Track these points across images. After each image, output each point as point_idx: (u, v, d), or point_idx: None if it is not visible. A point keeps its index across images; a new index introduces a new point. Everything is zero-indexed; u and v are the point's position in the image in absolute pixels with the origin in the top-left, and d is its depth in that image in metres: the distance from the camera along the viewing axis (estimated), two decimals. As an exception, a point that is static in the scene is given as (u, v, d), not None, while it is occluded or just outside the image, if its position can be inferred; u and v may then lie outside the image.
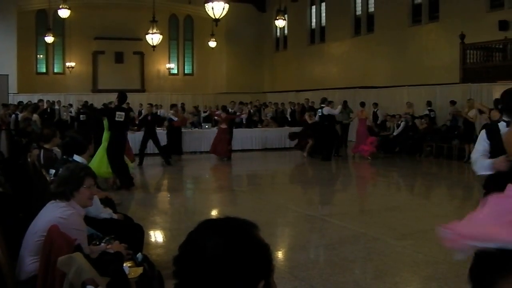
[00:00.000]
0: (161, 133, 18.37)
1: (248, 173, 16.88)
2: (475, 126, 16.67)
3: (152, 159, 18.14)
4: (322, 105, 18.96)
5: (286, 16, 28.65)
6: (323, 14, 30.71)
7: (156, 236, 8.50)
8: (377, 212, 10.12)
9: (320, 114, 18.86)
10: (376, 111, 22.18)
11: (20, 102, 23.88)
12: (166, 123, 19.11)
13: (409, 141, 19.59)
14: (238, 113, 19.81)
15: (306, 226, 9.19)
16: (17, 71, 29.53)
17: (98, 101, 27.64)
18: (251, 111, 25.49)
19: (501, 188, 3.71)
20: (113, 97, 13.92)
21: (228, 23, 30.20)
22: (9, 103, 21.62)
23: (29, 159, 8.25)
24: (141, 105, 24.98)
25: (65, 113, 25.49)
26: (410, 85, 22.48)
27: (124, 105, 13.62)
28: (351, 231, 8.47)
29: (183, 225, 8.51)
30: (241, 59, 34.80)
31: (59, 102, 26.40)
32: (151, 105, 19.33)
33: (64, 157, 6.24)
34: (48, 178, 6.38)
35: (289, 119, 25.15)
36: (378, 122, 21.77)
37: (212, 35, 29.60)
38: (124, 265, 4.06)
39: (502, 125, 4.65)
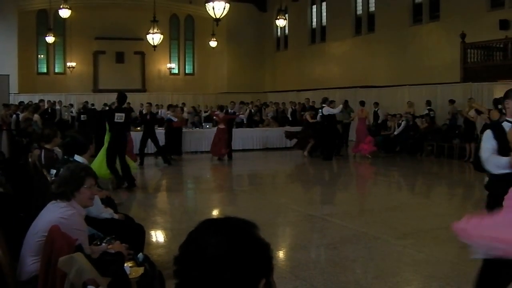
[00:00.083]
0: (160, 132, 18.38)
1: (249, 173, 16.87)
2: (475, 125, 16.67)
3: (152, 159, 18.17)
4: (323, 105, 18.96)
5: (286, 15, 28.66)
6: (324, 14, 30.71)
7: (157, 236, 8.50)
8: (378, 211, 10.12)
9: (320, 114, 18.87)
10: (377, 110, 22.19)
11: (21, 102, 23.88)
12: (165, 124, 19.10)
13: (410, 140, 19.60)
14: (236, 113, 19.76)
15: (307, 225, 9.19)
16: (18, 71, 29.56)
17: (99, 101, 27.68)
18: (252, 110, 25.49)
19: (506, 189, 3.68)
20: (114, 97, 13.87)
21: (229, 23, 30.22)
22: (10, 103, 21.61)
23: (30, 159, 8.26)
24: (142, 105, 24.95)
25: (66, 113, 25.50)
26: (411, 85, 22.50)
27: (125, 105, 13.63)
28: (352, 230, 8.47)
29: (184, 225, 8.50)
30: (242, 59, 34.81)
31: (60, 102, 26.40)
32: (150, 104, 19.29)
33: (65, 157, 6.24)
34: (49, 178, 6.38)
35: (290, 119, 25.15)
36: (379, 122, 21.78)
37: (213, 35, 29.57)
38: (125, 265, 4.07)
39: (506, 125, 4.63)
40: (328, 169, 17.20)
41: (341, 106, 19.48)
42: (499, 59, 19.14)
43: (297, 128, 21.21)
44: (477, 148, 13.72)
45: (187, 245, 1.66)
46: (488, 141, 4.62)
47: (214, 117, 20.08)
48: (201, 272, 1.59)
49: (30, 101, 24.77)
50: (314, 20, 31.74)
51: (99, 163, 11.86)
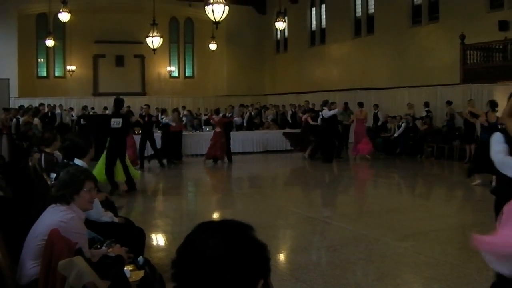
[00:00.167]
0: (157, 136, 18.36)
1: (249, 176, 16.87)
2: (475, 127, 16.66)
3: (152, 162, 18.14)
4: (323, 108, 18.99)
5: (286, 18, 28.67)
6: (323, 16, 30.73)
7: (158, 239, 8.50)
8: (378, 213, 10.12)
9: (321, 117, 18.89)
10: (377, 112, 22.20)
11: (21, 106, 23.91)
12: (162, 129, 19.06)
13: (410, 142, 19.60)
14: (231, 116, 19.68)
15: (307, 228, 9.18)
16: (18, 75, 29.61)
17: (99, 104, 27.72)
18: (252, 113, 25.51)
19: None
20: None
21: (229, 25, 30.27)
22: (10, 107, 21.63)
23: (30, 163, 8.26)
24: (141, 108, 25.00)
25: (67, 117, 25.53)
26: (411, 86, 22.50)
27: (123, 110, 13.54)
28: (352, 232, 8.47)
29: (184, 228, 8.47)
30: (241, 61, 34.84)
31: (61, 106, 26.44)
32: (148, 106, 19.25)
33: (65, 160, 6.24)
34: (49, 182, 6.39)
35: (290, 121, 25.15)
36: (379, 124, 21.80)
37: (213, 38, 29.60)
38: (125, 268, 4.07)
39: None
40: (328, 172, 17.19)
41: (336, 110, 19.26)
42: (499, 60, 19.14)
43: (297, 131, 21.20)
44: (477, 150, 13.70)
45: (185, 248, 1.67)
46: (498, 144, 4.53)
47: (211, 121, 20.10)
48: (199, 274, 1.60)
49: (30, 105, 24.82)
50: (314, 22, 31.76)
51: (100, 168, 11.82)
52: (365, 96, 23.52)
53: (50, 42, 27.09)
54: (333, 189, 14.08)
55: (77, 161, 5.95)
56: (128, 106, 20.74)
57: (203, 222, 1.73)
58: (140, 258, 4.38)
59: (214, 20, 14.50)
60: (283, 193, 13.73)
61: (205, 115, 26.59)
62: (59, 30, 32.14)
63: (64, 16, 23.06)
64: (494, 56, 19.46)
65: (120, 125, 12.11)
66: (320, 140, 18.85)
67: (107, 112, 22.19)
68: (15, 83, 28.31)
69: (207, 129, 21.88)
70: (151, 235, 8.24)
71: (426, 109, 20.21)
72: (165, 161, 18.02)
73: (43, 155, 7.80)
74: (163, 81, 36.75)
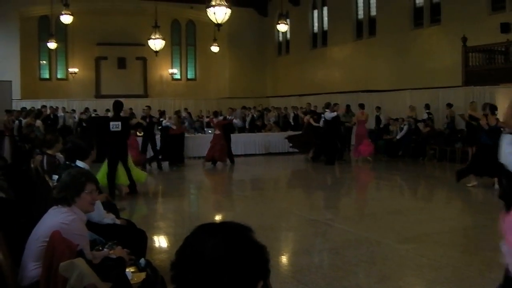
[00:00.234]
0: (158, 137, 18.39)
1: (251, 178, 16.87)
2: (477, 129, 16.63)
3: (154, 164, 18.13)
4: (325, 110, 19.00)
5: (288, 20, 28.67)
6: (325, 18, 30.74)
7: (160, 241, 8.50)
8: (380, 215, 10.11)
9: (323, 119, 18.91)
10: (379, 114, 22.19)
11: (23, 108, 23.93)
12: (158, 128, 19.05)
13: (412, 144, 19.58)
14: (230, 118, 19.66)
15: (309, 230, 9.18)
16: (20, 77, 29.67)
17: (102, 106, 27.70)
18: (254, 115, 25.51)
19: None
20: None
21: (230, 28, 30.26)
22: (13, 109, 21.65)
23: (32, 165, 8.27)
24: (143, 110, 24.98)
25: (70, 119, 25.54)
26: (413, 89, 22.48)
27: (127, 112, 13.50)
28: (354, 235, 8.46)
29: (186, 230, 8.28)
30: (243, 63, 34.87)
31: (63, 108, 26.44)
32: (149, 107, 19.22)
33: (67, 162, 6.25)
34: (51, 184, 6.39)
35: (292, 124, 25.15)
36: (381, 126, 21.79)
37: (215, 40, 29.60)
38: (127, 270, 4.06)
39: None
40: (330, 174, 17.18)
41: (334, 113, 19.17)
42: (501, 63, 19.12)
43: (299, 133, 21.20)
44: (477, 153, 13.66)
45: (184, 250, 1.67)
46: (510, 146, 4.54)
47: (211, 123, 20.12)
48: (198, 276, 1.60)
49: (32, 107, 24.83)
50: (316, 24, 31.77)
51: (104, 171, 11.76)
52: (367, 98, 23.49)
53: (52, 44, 27.12)
54: (335, 191, 14.06)
55: (79, 163, 5.95)
56: (130, 108, 20.71)
57: (202, 224, 1.73)
58: (142, 260, 4.38)
59: (216, 23, 14.53)
60: (285, 195, 13.74)
61: (207, 117, 26.59)
62: (61, 32, 32.19)
63: (66, 19, 23.10)
64: (496, 58, 19.44)
65: (119, 128, 11.96)
66: (322, 142, 18.85)
67: (109, 114, 22.17)
68: (18, 85, 28.34)
69: (209, 131, 21.89)
70: (153, 237, 8.24)
71: (427, 111, 20.21)
72: (165, 163, 18.02)
73: (45, 157, 7.80)
74: (165, 83, 36.76)
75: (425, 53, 23.02)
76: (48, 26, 30.26)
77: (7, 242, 4.02)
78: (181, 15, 35.85)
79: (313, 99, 26.30)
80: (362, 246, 7.78)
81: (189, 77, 38.02)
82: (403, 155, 19.76)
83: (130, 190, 12.24)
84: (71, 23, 24.43)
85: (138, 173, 12.64)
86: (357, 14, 28.05)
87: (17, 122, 19.52)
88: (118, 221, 5.77)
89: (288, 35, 33.66)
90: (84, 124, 24.01)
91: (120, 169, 11.87)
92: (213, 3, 14.36)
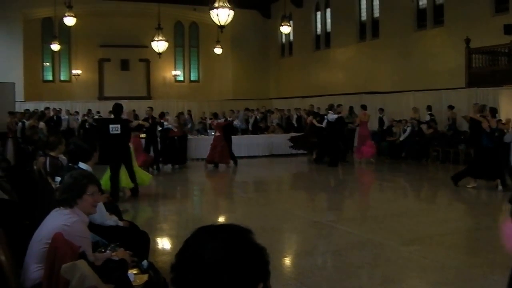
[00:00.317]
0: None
1: (254, 180, 16.86)
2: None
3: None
4: (328, 112, 18.99)
5: (291, 22, 28.67)
6: (328, 20, 30.71)
7: (163, 243, 8.51)
8: (383, 217, 10.09)
9: (326, 120, 18.91)
10: (382, 116, 22.17)
11: (26, 110, 23.99)
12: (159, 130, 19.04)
13: (416, 146, 19.55)
14: (231, 119, 19.65)
15: (312, 232, 9.17)
16: (24, 79, 29.68)
17: (105, 108, 27.71)
18: (258, 117, 25.51)
19: None
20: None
21: (234, 29, 30.24)
22: (16, 111, 21.69)
23: (35, 167, 8.28)
24: (146, 111, 24.98)
25: (74, 122, 25.58)
26: (416, 90, 22.45)
27: (127, 115, 13.43)
28: (357, 237, 8.45)
29: (189, 232, 8.32)
30: (246, 65, 34.88)
31: (68, 111, 26.45)
32: (151, 108, 19.20)
33: (70, 164, 6.25)
34: (54, 186, 6.39)
35: (296, 125, 25.14)
36: (384, 128, 21.77)
37: (218, 42, 29.59)
38: (129, 272, 4.06)
39: None
40: (333, 175, 17.18)
41: (335, 116, 19.14)
42: (504, 64, 19.07)
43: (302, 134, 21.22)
44: (478, 155, 13.65)
45: (183, 252, 1.67)
46: None
47: (212, 125, 20.16)
48: (198, 278, 1.59)
49: (35, 109, 24.87)
50: (319, 26, 31.74)
51: (108, 176, 11.72)
52: (370, 100, 23.48)
53: (55, 46, 27.16)
54: (338, 193, 14.05)
55: (82, 165, 5.95)
56: (134, 110, 20.72)
57: (201, 226, 1.73)
58: (145, 262, 4.38)
59: (219, 24, 14.52)
60: (288, 197, 13.73)
61: (209, 119, 26.60)
62: (65, 34, 32.21)
63: (70, 20, 23.12)
64: (500, 60, 19.40)
65: (119, 131, 11.83)
66: (325, 143, 18.84)
67: (112, 116, 22.15)
68: (21, 87, 28.33)
69: (212, 133, 21.90)
70: (155, 239, 8.25)
71: (429, 112, 20.19)
72: (169, 166, 18.03)
73: (48, 158, 7.80)
74: (168, 85, 36.76)
75: (428, 55, 22.98)
76: (52, 28, 30.30)
77: (10, 244, 4.02)
78: (184, 17, 35.86)
79: (316, 100, 26.30)
80: (365, 248, 7.77)
81: (192, 79, 38.02)
82: (406, 156, 19.73)
83: (132, 192, 12.21)
84: (74, 25, 24.45)
85: (143, 176, 12.62)
86: (360, 16, 28.01)
87: (20, 124, 19.56)
88: (120, 223, 5.76)
89: (291, 37, 33.64)
90: (87, 126, 24.03)
91: (123, 171, 11.84)
92: (216, 5, 14.35)
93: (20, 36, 30.22)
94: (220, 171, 18.13)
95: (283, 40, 34.92)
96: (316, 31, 31.92)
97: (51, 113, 24.05)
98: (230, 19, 14.53)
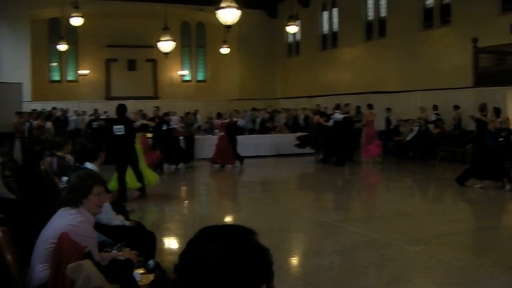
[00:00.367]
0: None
1: (261, 179, 16.87)
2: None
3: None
4: (335, 111, 18.99)
5: (298, 22, 28.65)
6: (335, 20, 30.67)
7: (169, 243, 8.52)
8: (390, 217, 10.08)
9: (333, 120, 18.91)
10: (389, 116, 22.13)
11: (33, 110, 24.06)
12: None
13: (423, 146, 19.51)
14: (235, 119, 19.64)
15: (319, 232, 9.16)
16: (31, 79, 29.77)
17: (112, 108, 27.71)
18: (265, 117, 25.50)
19: None
20: (127, 104, 13.56)
21: (240, 29, 30.24)
22: (23, 111, 21.75)
23: (42, 167, 8.31)
24: (153, 111, 24.99)
25: (82, 122, 25.63)
26: (423, 90, 22.39)
27: (133, 115, 13.39)
28: (364, 237, 8.44)
29: (195, 232, 8.41)
30: (253, 65, 34.87)
31: (76, 111, 26.49)
32: (157, 108, 19.17)
33: (76, 164, 6.26)
34: (60, 185, 6.41)
35: (303, 125, 25.10)
36: (391, 127, 21.73)
37: (224, 42, 29.61)
38: (136, 272, 4.07)
39: None
40: (340, 175, 17.16)
41: (341, 116, 19.11)
42: (511, 63, 19.02)
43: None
44: (482, 156, 13.61)
45: (186, 253, 1.67)
46: None
47: (216, 125, 20.18)
48: (200, 279, 1.59)
49: (43, 109, 24.95)
50: (325, 26, 31.70)
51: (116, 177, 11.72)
52: (377, 100, 23.42)
53: (62, 47, 27.22)
54: (345, 193, 14.03)
55: (88, 165, 5.96)
56: (141, 110, 20.72)
57: (204, 227, 1.73)
58: (151, 262, 4.38)
59: (225, 24, 14.53)
60: (294, 197, 13.72)
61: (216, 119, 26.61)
62: (72, 35, 32.25)
63: (76, 21, 23.19)
64: (507, 59, 19.34)
65: (123, 132, 11.78)
66: (332, 142, 18.82)
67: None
68: (28, 87, 28.42)
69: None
70: (162, 239, 8.26)
71: (435, 112, 20.14)
72: (173, 166, 18.02)
73: (55, 158, 7.83)
74: (175, 85, 36.78)
75: (435, 54, 22.91)
76: (58, 28, 30.38)
77: (17, 243, 4.04)
78: (191, 17, 35.89)
79: (323, 100, 26.25)
80: (372, 248, 7.76)
81: (199, 78, 38.05)
82: (413, 156, 19.69)
83: (141, 192, 12.22)
84: (81, 25, 24.53)
85: (149, 176, 12.62)
86: (367, 16, 27.96)
87: (27, 124, 19.63)
88: (127, 223, 5.77)
89: (298, 37, 33.62)
90: (94, 126, 24.06)
91: (129, 172, 11.83)
92: (223, 5, 14.36)
93: (27, 37, 30.32)
94: (227, 171, 18.13)
95: (290, 40, 34.90)
96: (322, 31, 31.88)
97: (58, 113, 24.11)
98: (236, 19, 14.54)
